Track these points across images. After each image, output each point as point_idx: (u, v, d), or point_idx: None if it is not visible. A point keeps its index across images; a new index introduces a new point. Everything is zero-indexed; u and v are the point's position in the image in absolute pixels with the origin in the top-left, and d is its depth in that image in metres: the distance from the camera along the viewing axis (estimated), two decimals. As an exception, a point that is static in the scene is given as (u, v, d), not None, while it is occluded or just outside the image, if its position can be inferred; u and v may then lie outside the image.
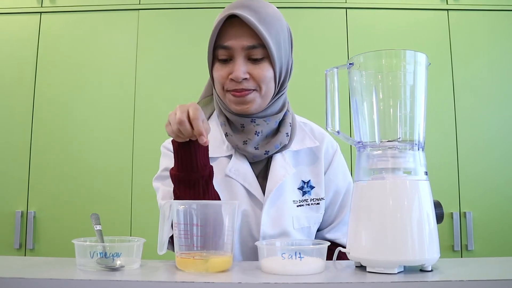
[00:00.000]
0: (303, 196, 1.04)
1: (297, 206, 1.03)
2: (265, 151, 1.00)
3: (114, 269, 0.75)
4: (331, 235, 1.09)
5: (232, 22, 0.96)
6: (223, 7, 1.03)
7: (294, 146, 1.06)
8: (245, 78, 0.95)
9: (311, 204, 1.04)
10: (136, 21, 2.22)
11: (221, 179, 1.00)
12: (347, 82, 0.84)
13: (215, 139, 1.03)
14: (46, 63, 2.21)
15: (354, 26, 2.22)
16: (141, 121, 2.15)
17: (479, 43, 2.20)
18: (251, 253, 1.02)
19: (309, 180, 1.05)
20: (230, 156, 1.02)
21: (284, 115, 1.06)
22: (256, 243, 0.78)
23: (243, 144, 0.99)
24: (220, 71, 0.98)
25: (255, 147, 1.00)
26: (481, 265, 0.83)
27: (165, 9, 2.23)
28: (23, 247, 2.09)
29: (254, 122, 1.00)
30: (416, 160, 0.77)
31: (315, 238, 1.09)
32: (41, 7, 2.23)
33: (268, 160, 1.04)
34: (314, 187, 1.06)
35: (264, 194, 1.01)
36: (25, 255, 2.05)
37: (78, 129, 2.17)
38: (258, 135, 0.99)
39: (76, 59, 2.21)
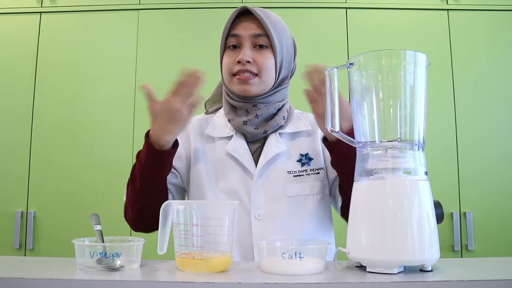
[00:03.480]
0: (302, 167, 1.14)
1: (294, 176, 1.13)
2: (264, 130, 1.14)
3: (114, 269, 0.75)
4: None
5: (241, 18, 1.14)
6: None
7: (289, 129, 1.18)
8: (249, 62, 1.10)
9: (311, 174, 1.14)
10: (136, 21, 2.22)
11: (221, 155, 1.15)
12: (347, 82, 0.84)
13: (220, 125, 1.19)
14: (46, 63, 2.21)
15: (354, 26, 2.22)
16: (141, 121, 2.15)
17: (479, 43, 2.20)
18: (244, 229, 1.08)
19: (307, 153, 1.16)
20: (231, 137, 1.16)
21: (283, 104, 1.19)
22: (256, 243, 0.78)
23: (244, 124, 1.13)
24: (229, 57, 1.14)
25: (255, 127, 1.13)
26: (481, 265, 0.83)
27: (165, 9, 2.23)
28: (23, 247, 2.09)
29: (256, 106, 1.14)
30: (416, 160, 0.77)
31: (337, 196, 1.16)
32: (41, 7, 2.23)
33: (265, 140, 1.16)
34: (313, 158, 1.16)
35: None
36: (25, 255, 2.05)
37: (78, 129, 2.17)
38: (258, 118, 1.13)
39: (76, 59, 2.21)
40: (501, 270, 0.78)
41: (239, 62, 1.11)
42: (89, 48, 2.22)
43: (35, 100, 2.18)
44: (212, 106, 1.26)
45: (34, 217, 2.10)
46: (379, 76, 0.81)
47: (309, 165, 1.14)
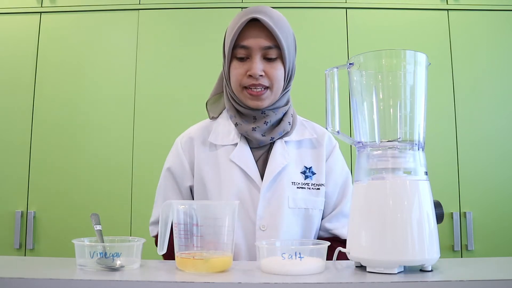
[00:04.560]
0: (305, 179, 1.13)
1: (297, 188, 1.12)
2: (271, 137, 1.12)
3: (114, 269, 0.75)
4: (330, 224, 1.15)
5: (249, 25, 1.08)
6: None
7: (295, 137, 1.17)
8: (261, 75, 1.08)
9: (312, 188, 1.13)
10: (136, 21, 2.22)
11: (225, 164, 1.12)
12: (347, 82, 0.84)
13: (223, 130, 1.16)
14: (46, 63, 2.21)
15: (354, 26, 2.22)
16: (141, 121, 2.15)
17: (479, 43, 2.20)
18: (249, 236, 1.08)
19: (311, 167, 1.15)
20: (235, 145, 1.14)
21: (288, 108, 1.18)
22: (256, 243, 0.78)
23: (252, 130, 1.11)
24: (238, 69, 1.10)
25: (262, 134, 1.12)
26: (481, 265, 0.83)
27: (165, 9, 2.23)
28: (23, 247, 2.09)
29: (264, 113, 1.13)
30: (416, 160, 0.77)
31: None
32: (41, 7, 2.23)
33: (270, 147, 1.15)
34: (316, 173, 1.15)
35: (262, 178, 1.11)
36: (25, 255, 2.05)
37: (78, 129, 2.16)
38: (266, 124, 1.12)
39: (76, 59, 2.21)
40: (501, 270, 0.78)
41: (250, 75, 1.08)
42: (89, 48, 2.22)
43: (35, 100, 2.18)
44: (214, 107, 1.23)
45: (34, 217, 2.10)
46: (379, 76, 0.81)
47: (311, 179, 1.14)
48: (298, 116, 1.22)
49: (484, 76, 2.18)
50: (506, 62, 2.20)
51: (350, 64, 0.82)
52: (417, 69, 0.79)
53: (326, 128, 0.84)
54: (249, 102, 1.10)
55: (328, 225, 1.15)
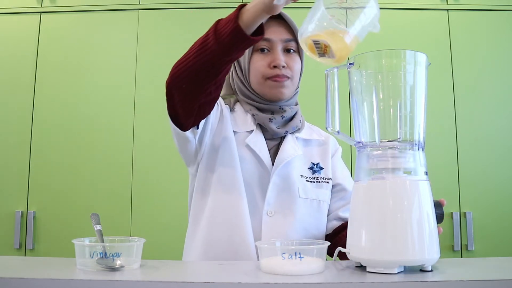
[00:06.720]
0: (313, 174, 1.18)
1: (306, 181, 1.16)
2: (285, 130, 1.17)
3: (114, 269, 0.75)
4: (344, 214, 1.18)
5: (268, 20, 1.13)
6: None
7: (304, 135, 1.22)
8: (283, 66, 1.12)
9: (321, 182, 1.17)
10: (136, 21, 2.22)
11: (241, 149, 1.15)
12: (347, 82, 0.85)
13: (240, 119, 1.19)
14: (46, 63, 2.20)
15: (354, 26, 2.22)
16: (141, 121, 2.15)
17: (479, 43, 2.20)
18: (255, 217, 1.10)
19: (318, 163, 1.20)
20: (251, 132, 1.17)
21: (298, 109, 1.24)
22: (256, 243, 0.78)
23: (269, 121, 1.15)
24: (260, 61, 1.14)
25: (277, 127, 1.16)
26: (481, 265, 0.83)
27: (165, 9, 2.23)
28: (23, 247, 2.09)
29: (282, 109, 1.17)
30: (416, 160, 0.77)
31: (329, 216, 1.18)
32: (41, 7, 2.23)
33: (281, 140, 1.19)
34: (323, 168, 1.19)
35: (273, 166, 1.14)
36: (25, 255, 2.05)
37: (78, 129, 2.16)
38: (282, 118, 1.17)
39: (76, 59, 2.21)
40: (501, 270, 0.78)
41: (274, 66, 1.12)
42: (89, 48, 2.22)
43: (35, 100, 2.18)
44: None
45: (34, 217, 2.10)
46: (379, 76, 0.81)
47: (320, 173, 1.18)
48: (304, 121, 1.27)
49: (484, 76, 2.18)
50: (506, 62, 2.20)
51: (350, 64, 0.82)
52: (417, 69, 0.79)
53: (326, 128, 0.84)
54: (272, 90, 1.13)
55: (342, 214, 1.17)
